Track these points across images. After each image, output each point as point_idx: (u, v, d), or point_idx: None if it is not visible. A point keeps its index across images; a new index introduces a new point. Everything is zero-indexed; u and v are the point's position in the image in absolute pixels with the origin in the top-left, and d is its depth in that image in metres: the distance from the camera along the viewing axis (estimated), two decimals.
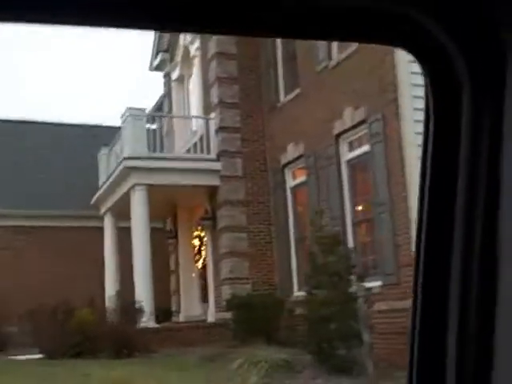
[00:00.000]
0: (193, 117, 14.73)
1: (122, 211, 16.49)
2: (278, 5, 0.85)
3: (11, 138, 22.62)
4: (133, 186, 13.65)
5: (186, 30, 0.98)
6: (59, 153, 22.01)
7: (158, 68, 18.43)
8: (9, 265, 18.93)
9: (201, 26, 0.89)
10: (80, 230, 19.68)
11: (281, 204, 13.70)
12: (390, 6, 0.88)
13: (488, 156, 0.91)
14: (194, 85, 16.29)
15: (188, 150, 15.27)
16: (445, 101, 0.95)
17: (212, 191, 14.33)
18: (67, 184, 20.49)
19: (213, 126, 14.30)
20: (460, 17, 0.88)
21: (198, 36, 15.12)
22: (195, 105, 16.30)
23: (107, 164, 16.22)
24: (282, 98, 13.85)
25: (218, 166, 14.02)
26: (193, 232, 16.46)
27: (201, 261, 15.91)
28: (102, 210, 16.64)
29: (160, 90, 19.01)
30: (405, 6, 0.88)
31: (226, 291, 13.59)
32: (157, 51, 17.94)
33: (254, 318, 11.87)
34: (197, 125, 15.55)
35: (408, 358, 1.01)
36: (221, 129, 14.15)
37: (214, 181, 14.05)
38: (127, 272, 16.96)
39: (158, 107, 21.30)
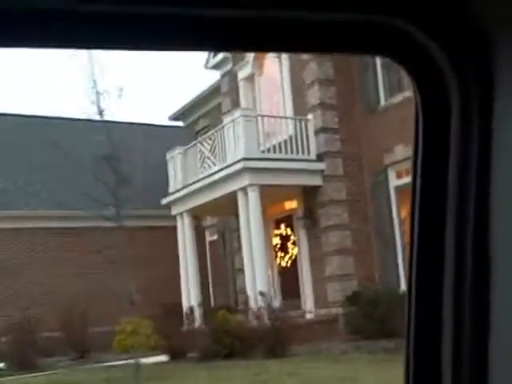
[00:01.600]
0: (290, 118, 14.92)
1: (204, 212, 16.63)
2: (267, 20, 0.86)
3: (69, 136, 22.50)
4: (244, 187, 13.80)
5: (179, 49, 0.96)
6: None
7: (216, 67, 18.47)
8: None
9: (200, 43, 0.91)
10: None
11: (383, 202, 14.26)
12: (376, 16, 0.89)
13: (478, 160, 0.91)
14: (272, 84, 16.49)
15: (274, 150, 15.48)
16: (434, 108, 0.96)
17: (307, 191, 14.68)
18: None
19: (310, 126, 14.63)
20: (446, 24, 0.89)
21: None
22: (270, 104, 16.49)
23: (183, 164, 16.22)
24: (383, 101, 14.40)
25: (320, 166, 14.39)
26: (270, 230, 16.73)
27: (286, 258, 16.19)
28: (176, 211, 16.60)
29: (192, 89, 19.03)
30: (390, 16, 0.88)
31: (335, 287, 14.03)
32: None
33: (381, 313, 12.39)
34: (281, 124, 15.73)
35: (404, 364, 1.02)
36: (321, 130, 14.52)
37: (316, 181, 14.42)
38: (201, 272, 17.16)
39: (199, 105, 21.34)
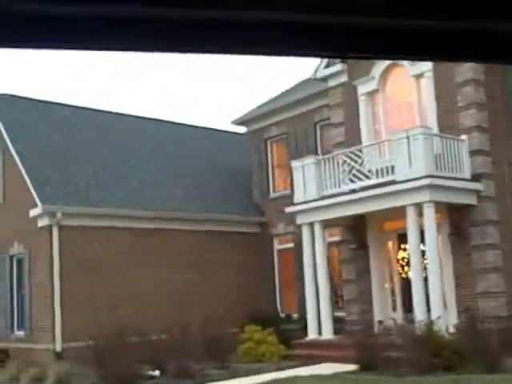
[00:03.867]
0: (447, 137, 15.28)
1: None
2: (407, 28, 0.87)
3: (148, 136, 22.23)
4: (418, 203, 14.07)
5: (166, 51, 0.95)
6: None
7: (324, 79, 18.52)
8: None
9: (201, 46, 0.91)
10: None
11: None
12: (495, 22, 0.87)
13: None
14: (401, 102, 16.86)
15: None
16: None
17: (454, 209, 15.18)
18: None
19: (463, 147, 15.15)
20: None
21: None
22: (397, 121, 16.83)
23: (317, 174, 16.21)
24: None
25: (477, 186, 14.96)
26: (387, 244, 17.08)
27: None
28: (302, 221, 16.55)
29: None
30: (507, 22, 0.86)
31: (489, 303, 14.62)
32: (328, 63, 18.09)
33: None
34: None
35: None
36: (477, 151, 15.12)
37: (472, 200, 14.97)
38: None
39: (274, 112, 21.17)
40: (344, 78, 18.09)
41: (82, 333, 16.65)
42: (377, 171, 15.19)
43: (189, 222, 19.57)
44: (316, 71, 18.60)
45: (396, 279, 17.06)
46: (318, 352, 15.19)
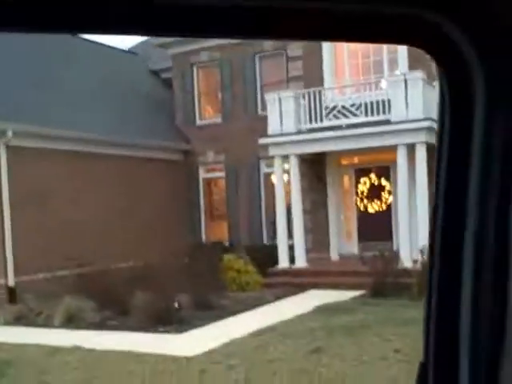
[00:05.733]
0: None
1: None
2: (299, 9, 0.90)
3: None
4: (411, 144, 15.07)
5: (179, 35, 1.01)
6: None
7: None
8: None
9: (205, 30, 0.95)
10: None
11: None
12: (406, 6, 0.91)
13: (502, 151, 0.95)
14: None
15: None
16: (460, 97, 0.99)
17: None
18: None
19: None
20: (473, 15, 0.91)
21: None
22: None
23: (296, 108, 16.38)
24: None
25: None
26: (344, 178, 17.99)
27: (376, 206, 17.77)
28: (276, 153, 16.68)
29: None
30: (420, 7, 0.91)
31: None
32: None
33: None
34: None
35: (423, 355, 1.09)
36: None
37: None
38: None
39: None
40: None
41: (35, 265, 15.25)
42: (366, 109, 15.82)
43: (117, 146, 18.34)
44: None
45: (352, 211, 18.16)
46: (299, 280, 15.78)
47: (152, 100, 22.28)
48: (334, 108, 16.32)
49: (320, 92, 16.71)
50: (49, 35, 15.64)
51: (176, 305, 13.22)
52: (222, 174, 20.68)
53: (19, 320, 13.11)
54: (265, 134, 19.06)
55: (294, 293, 15.00)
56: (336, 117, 16.23)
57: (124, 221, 18.14)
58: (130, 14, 0.87)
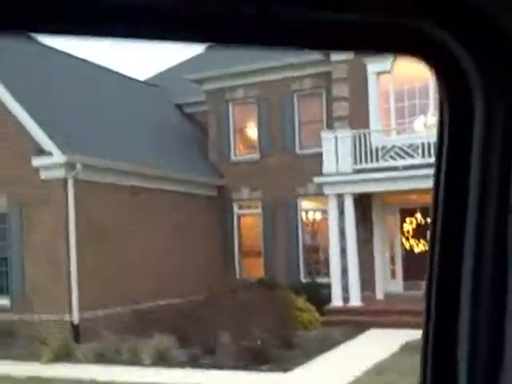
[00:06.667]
0: None
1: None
2: (302, 17, 0.89)
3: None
4: None
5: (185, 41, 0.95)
6: None
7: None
8: None
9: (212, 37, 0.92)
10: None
11: None
12: (405, 18, 0.92)
13: (500, 161, 0.96)
14: (410, 85, 18.13)
15: None
16: (458, 109, 1.00)
17: None
18: None
19: None
20: (471, 27, 0.92)
21: None
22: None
23: (352, 148, 16.77)
24: None
25: None
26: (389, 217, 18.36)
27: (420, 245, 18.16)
28: (331, 192, 16.98)
29: None
30: (419, 19, 0.91)
31: None
32: None
33: None
34: None
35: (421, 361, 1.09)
36: None
37: None
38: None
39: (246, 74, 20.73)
40: (350, 55, 18.69)
41: (95, 302, 15.02)
42: (423, 150, 16.30)
43: (165, 181, 18.34)
44: None
45: (397, 250, 18.53)
46: (357, 318, 15.97)
47: (181, 134, 22.37)
48: (383, 148, 16.78)
49: (369, 133, 17.19)
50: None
51: (259, 343, 13.21)
52: (256, 210, 20.81)
53: (101, 357, 12.86)
54: (302, 173, 19.45)
55: (357, 332, 15.15)
56: (392, 158, 16.68)
57: (167, 257, 18.07)
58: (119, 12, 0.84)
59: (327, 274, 19.46)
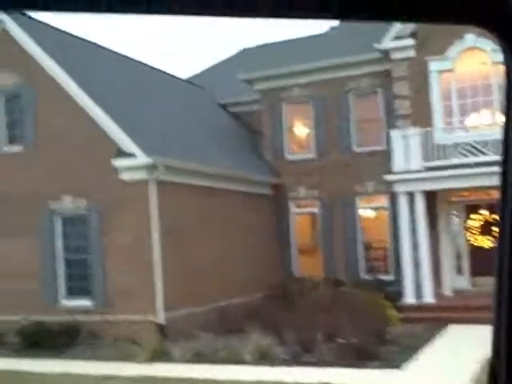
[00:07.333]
0: None
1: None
2: None
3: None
4: None
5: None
6: None
7: (385, 51, 18.96)
8: None
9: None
10: None
11: None
12: None
13: None
14: (472, 83, 18.26)
15: None
16: None
17: None
18: None
19: None
20: None
21: None
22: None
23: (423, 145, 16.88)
24: None
25: None
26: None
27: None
28: (402, 189, 17.09)
29: None
30: None
31: None
32: (395, 36, 18.67)
33: None
34: None
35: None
36: None
37: None
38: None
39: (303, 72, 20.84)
40: (411, 53, 18.81)
41: (176, 301, 15.08)
42: (494, 147, 16.41)
43: (230, 180, 18.42)
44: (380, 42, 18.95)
45: (463, 246, 18.65)
46: (433, 315, 16.08)
47: (233, 135, 22.45)
48: (449, 146, 16.91)
49: (433, 131, 17.34)
50: None
51: (355, 340, 13.31)
52: (313, 209, 20.90)
53: (199, 357, 12.92)
54: (360, 171, 19.59)
55: (439, 328, 15.25)
56: (464, 155, 16.80)
57: (232, 255, 18.15)
58: None
59: (387, 271, 19.65)
